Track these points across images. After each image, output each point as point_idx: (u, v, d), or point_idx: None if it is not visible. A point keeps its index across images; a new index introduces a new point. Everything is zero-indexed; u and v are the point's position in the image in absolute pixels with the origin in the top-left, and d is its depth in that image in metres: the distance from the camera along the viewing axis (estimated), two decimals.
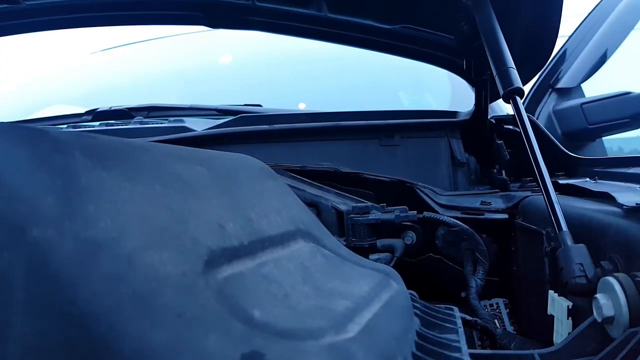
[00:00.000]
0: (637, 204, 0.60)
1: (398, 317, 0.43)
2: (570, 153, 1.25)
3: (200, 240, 0.33)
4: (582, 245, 0.62)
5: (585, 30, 1.81)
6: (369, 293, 0.42)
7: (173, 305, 0.27)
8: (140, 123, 1.31)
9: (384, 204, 1.04)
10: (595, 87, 1.81)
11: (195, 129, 1.22)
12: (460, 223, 1.02)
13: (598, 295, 0.53)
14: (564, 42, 1.82)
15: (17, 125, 0.30)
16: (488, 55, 0.94)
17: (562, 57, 1.81)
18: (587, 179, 1.01)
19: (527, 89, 1.72)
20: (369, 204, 1.04)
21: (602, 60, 1.79)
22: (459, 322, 0.54)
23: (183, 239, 0.32)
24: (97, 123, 1.35)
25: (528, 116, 0.86)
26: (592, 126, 1.66)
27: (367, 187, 1.17)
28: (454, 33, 1.19)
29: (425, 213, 1.03)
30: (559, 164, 1.21)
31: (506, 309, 1.03)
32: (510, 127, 1.27)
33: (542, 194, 0.71)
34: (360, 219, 1.00)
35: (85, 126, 1.35)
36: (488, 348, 0.82)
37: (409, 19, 1.20)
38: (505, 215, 1.02)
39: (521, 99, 0.88)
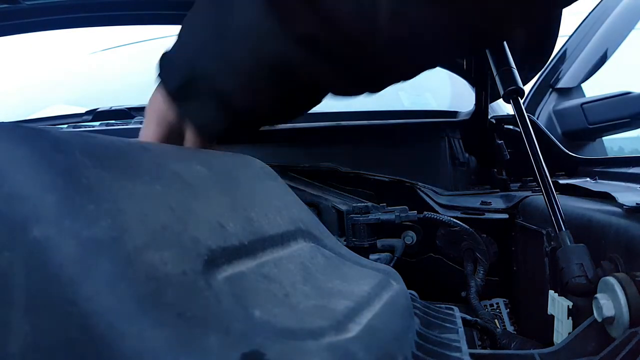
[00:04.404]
0: (637, 204, 0.59)
1: (398, 316, 0.42)
2: (570, 153, 1.25)
3: (201, 240, 0.33)
4: (582, 245, 0.62)
5: (585, 30, 1.81)
6: (369, 293, 0.42)
7: (173, 305, 0.27)
8: (141, 123, 1.31)
9: (384, 204, 1.04)
10: (595, 87, 1.81)
11: None
12: (461, 223, 1.02)
13: (598, 295, 0.52)
14: (564, 42, 1.82)
15: (18, 125, 0.30)
16: (488, 55, 0.94)
17: (562, 57, 1.81)
18: (587, 179, 1.01)
19: (527, 89, 1.72)
20: (369, 204, 1.04)
21: (602, 60, 1.79)
22: (459, 322, 0.54)
23: (183, 239, 0.32)
24: (97, 123, 1.35)
25: (528, 116, 0.86)
26: (592, 126, 1.66)
27: (367, 187, 1.17)
28: None
29: (425, 213, 1.03)
30: (559, 164, 1.21)
31: (506, 309, 1.03)
32: (511, 127, 1.27)
33: (542, 194, 0.71)
34: (361, 219, 1.00)
35: (85, 126, 1.35)
36: (488, 348, 0.82)
37: None
38: (506, 215, 1.02)
39: (521, 99, 0.88)
